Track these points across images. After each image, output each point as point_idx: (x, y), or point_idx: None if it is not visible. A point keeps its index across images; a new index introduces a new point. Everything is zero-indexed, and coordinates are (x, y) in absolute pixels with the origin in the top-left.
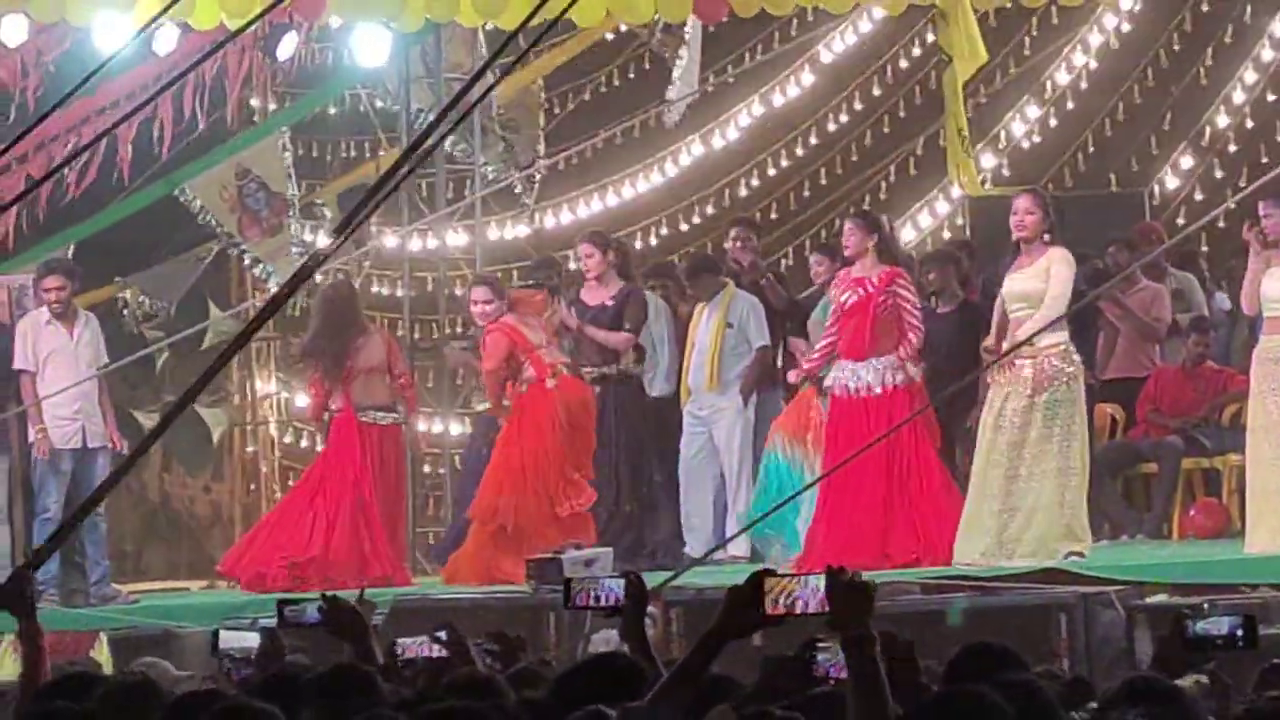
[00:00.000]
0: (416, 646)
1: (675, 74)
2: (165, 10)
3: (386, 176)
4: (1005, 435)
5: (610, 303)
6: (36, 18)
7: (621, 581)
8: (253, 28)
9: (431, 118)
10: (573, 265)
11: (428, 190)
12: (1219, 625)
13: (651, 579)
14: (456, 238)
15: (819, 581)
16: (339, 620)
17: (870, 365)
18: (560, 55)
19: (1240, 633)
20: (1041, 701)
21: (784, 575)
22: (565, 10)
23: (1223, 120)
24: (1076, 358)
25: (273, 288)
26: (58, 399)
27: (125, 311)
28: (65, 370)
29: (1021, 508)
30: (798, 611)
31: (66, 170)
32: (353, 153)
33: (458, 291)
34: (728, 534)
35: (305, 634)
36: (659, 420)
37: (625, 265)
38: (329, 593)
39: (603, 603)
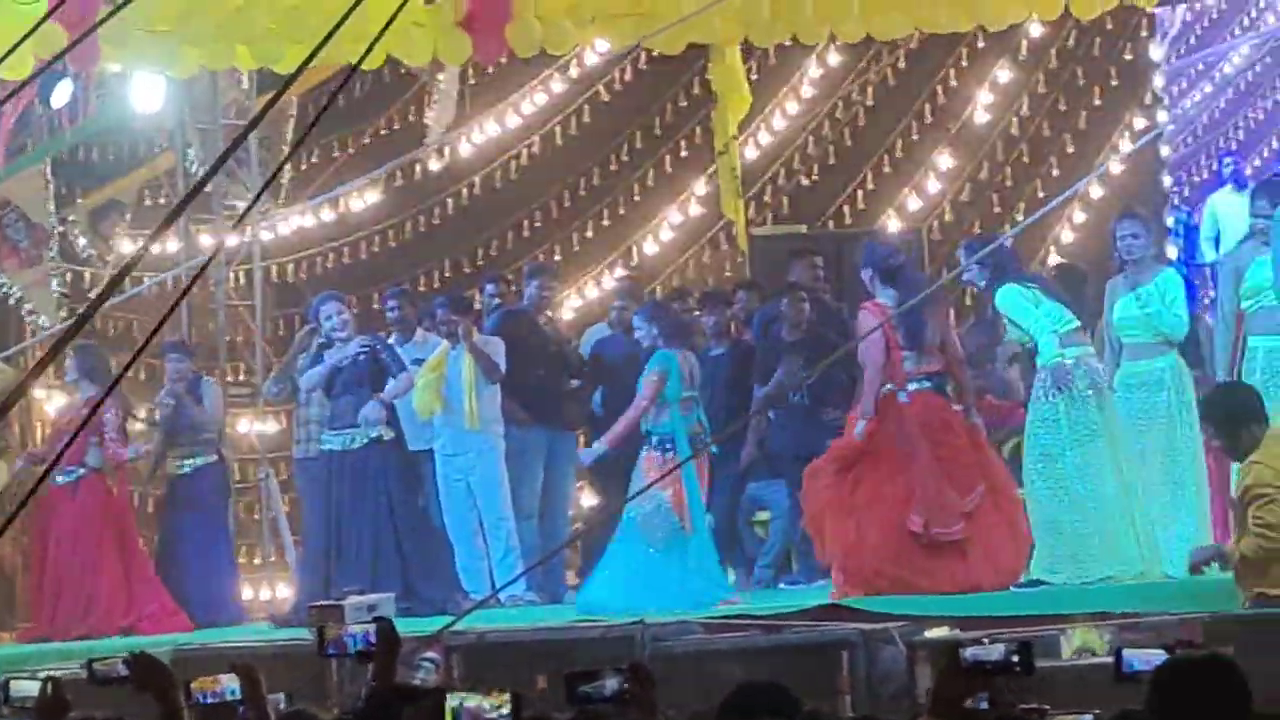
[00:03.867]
0: (208, 696)
1: (434, 100)
2: None
3: (174, 214)
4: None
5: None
6: None
7: (372, 627)
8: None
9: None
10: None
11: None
12: (993, 652)
13: (433, 624)
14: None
15: None
16: (146, 674)
17: None
18: (315, 76)
19: (1015, 659)
20: None
21: None
22: (357, 65)
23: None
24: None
25: (34, 319)
26: None
27: None
28: None
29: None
30: None
31: None
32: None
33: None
34: (499, 578)
35: (113, 690)
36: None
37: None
38: (135, 649)
39: (351, 649)
